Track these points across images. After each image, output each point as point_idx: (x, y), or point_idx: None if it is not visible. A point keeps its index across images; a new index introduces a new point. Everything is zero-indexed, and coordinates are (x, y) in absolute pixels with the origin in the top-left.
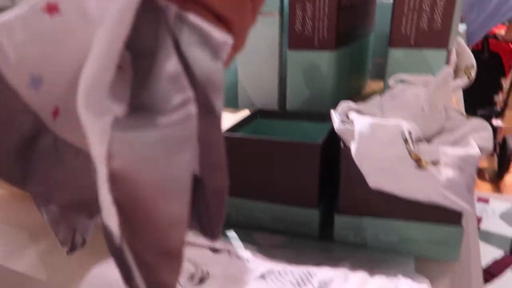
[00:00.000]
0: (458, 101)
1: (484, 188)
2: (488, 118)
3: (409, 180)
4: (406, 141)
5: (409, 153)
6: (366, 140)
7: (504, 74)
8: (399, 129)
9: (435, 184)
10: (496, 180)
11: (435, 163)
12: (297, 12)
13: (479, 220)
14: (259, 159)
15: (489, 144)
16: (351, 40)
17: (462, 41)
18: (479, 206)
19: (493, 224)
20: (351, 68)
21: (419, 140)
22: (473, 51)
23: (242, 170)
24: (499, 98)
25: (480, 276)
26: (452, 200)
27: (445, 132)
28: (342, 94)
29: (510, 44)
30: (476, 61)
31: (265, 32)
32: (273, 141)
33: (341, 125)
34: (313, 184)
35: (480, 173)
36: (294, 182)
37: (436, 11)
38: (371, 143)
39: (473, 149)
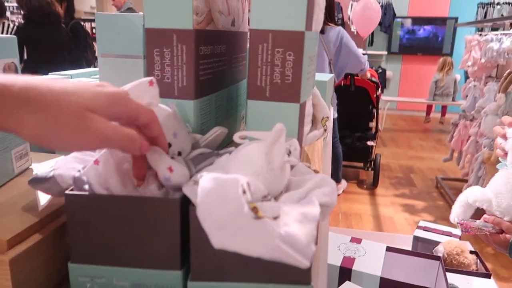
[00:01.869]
0: (325, 140)
1: (361, 199)
2: (364, 140)
3: (248, 233)
4: (244, 192)
5: (247, 203)
6: (207, 195)
7: (372, 104)
8: (237, 182)
9: (272, 235)
10: (372, 188)
11: (275, 218)
12: (155, 58)
13: (352, 261)
14: (113, 218)
15: (331, 199)
16: (217, 88)
17: (318, 93)
18: (352, 246)
19: (365, 264)
20: (217, 116)
21: (264, 197)
22: (344, 86)
23: (94, 231)
24: (373, 124)
25: None
26: (288, 254)
27: (292, 188)
28: None
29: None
30: (347, 93)
31: (130, 75)
32: (128, 197)
33: (187, 185)
34: (174, 243)
35: (360, 183)
36: (154, 242)
37: (287, 66)
38: (212, 199)
39: (314, 207)
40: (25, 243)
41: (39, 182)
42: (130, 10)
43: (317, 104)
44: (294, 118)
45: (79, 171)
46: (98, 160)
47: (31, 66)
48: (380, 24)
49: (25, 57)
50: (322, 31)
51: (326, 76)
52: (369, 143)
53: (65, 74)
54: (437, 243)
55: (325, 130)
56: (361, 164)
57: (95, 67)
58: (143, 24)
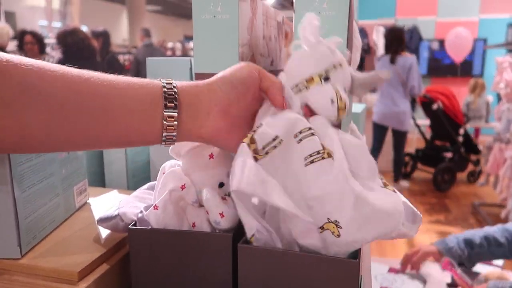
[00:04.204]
0: None
1: None
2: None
3: None
4: None
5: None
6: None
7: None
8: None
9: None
10: None
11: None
12: None
13: None
14: (171, 251)
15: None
16: None
17: (355, 128)
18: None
19: None
20: None
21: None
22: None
23: (155, 263)
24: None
25: None
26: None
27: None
28: None
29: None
30: None
31: None
32: (185, 232)
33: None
34: (226, 274)
35: None
36: (208, 273)
37: None
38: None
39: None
40: (93, 274)
41: (107, 221)
42: (149, 45)
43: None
44: None
45: (141, 211)
46: (157, 206)
47: None
48: (406, 47)
49: None
50: (393, 61)
51: (359, 108)
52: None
53: None
54: (478, 274)
55: None
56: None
57: None
58: (190, 67)
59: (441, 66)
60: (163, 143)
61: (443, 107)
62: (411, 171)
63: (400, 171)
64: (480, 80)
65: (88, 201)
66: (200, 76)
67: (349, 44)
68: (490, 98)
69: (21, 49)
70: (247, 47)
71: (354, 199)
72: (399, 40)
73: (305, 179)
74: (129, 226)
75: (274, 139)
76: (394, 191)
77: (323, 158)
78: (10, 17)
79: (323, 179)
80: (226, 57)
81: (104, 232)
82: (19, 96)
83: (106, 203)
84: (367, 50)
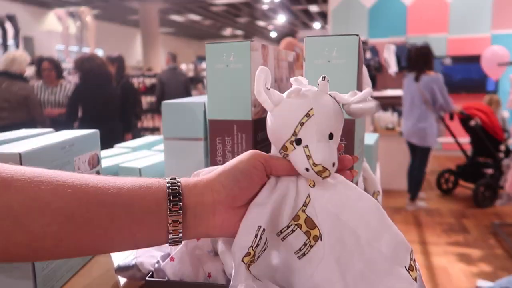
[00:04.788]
0: None
1: None
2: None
3: None
4: None
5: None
6: None
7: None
8: None
9: None
10: (421, 234)
11: None
12: (217, 145)
13: None
14: None
15: None
16: None
17: (367, 167)
18: None
19: None
20: None
21: None
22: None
23: None
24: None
25: None
26: None
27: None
28: None
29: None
30: None
31: (192, 156)
32: (200, 284)
33: None
34: None
35: (408, 229)
36: None
37: (339, 152)
38: None
39: None
40: None
41: (124, 270)
42: (174, 69)
43: (368, 178)
44: None
45: (158, 261)
46: (174, 257)
47: (85, 122)
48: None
49: (80, 114)
50: (417, 79)
51: (371, 138)
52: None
53: (128, 146)
54: None
55: None
56: (403, 204)
57: (141, 121)
58: (203, 110)
59: (454, 83)
60: (169, 244)
61: (482, 123)
62: (452, 188)
63: (418, 189)
64: (495, 96)
65: None
66: (214, 122)
67: (359, 88)
68: (506, 113)
69: (39, 75)
70: None
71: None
72: (424, 59)
73: (303, 269)
74: (147, 278)
75: (264, 243)
76: (415, 279)
77: (311, 246)
78: (28, 42)
79: (318, 265)
80: (239, 104)
81: (122, 280)
82: (30, 211)
83: None
84: (379, 68)
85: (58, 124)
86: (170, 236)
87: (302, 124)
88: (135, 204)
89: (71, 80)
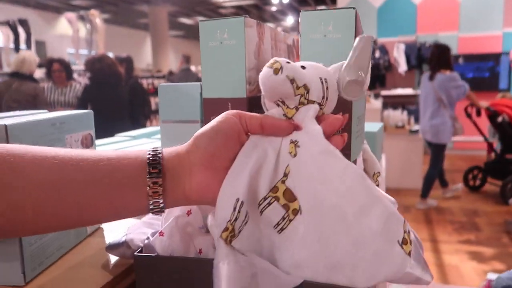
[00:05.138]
0: None
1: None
2: None
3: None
4: None
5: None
6: None
7: None
8: None
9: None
10: (432, 233)
11: None
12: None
13: None
14: (177, 278)
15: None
16: None
17: (367, 148)
18: None
19: None
20: None
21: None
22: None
23: None
24: None
25: None
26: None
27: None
28: None
29: None
30: None
31: (188, 138)
32: (190, 259)
33: None
34: None
35: (419, 226)
36: None
37: None
38: None
39: None
40: None
41: (114, 248)
42: (186, 70)
43: (368, 159)
44: None
45: (147, 238)
46: (163, 232)
47: (94, 121)
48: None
49: None
50: (432, 78)
51: (375, 127)
52: None
53: (128, 135)
54: None
55: (377, 185)
56: (413, 202)
57: (150, 121)
58: (200, 92)
59: (465, 81)
60: (151, 211)
61: (509, 119)
62: (480, 185)
63: (429, 187)
64: (508, 94)
65: (101, 226)
66: (209, 101)
67: None
68: None
69: (49, 76)
70: (254, 71)
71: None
72: (438, 58)
73: (284, 246)
74: (135, 253)
75: (245, 217)
76: (409, 253)
77: (290, 220)
78: (40, 45)
79: (298, 243)
80: (233, 82)
81: (114, 258)
82: (9, 181)
83: (120, 228)
84: (388, 67)
85: None
86: (151, 200)
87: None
88: (115, 170)
89: (81, 81)
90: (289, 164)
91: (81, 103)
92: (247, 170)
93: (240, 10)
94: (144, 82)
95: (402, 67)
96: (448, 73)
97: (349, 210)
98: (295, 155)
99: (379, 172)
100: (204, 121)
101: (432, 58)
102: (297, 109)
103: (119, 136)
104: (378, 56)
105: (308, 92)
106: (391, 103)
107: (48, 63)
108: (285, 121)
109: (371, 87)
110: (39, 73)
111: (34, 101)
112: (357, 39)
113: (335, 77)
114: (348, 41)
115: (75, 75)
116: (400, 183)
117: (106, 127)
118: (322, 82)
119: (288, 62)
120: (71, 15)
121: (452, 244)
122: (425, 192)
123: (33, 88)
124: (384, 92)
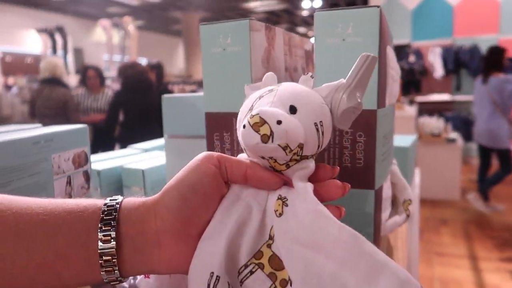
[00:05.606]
0: None
1: (460, 263)
2: None
3: None
4: None
5: None
6: None
7: None
8: None
9: None
10: (471, 249)
11: None
12: (215, 142)
13: None
14: None
15: None
16: None
17: (397, 171)
18: None
19: None
20: None
21: None
22: None
23: None
24: None
25: None
26: None
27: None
28: None
29: None
30: None
31: (194, 155)
32: None
33: None
34: None
35: (455, 242)
36: None
37: (358, 149)
38: None
39: None
40: None
41: (98, 287)
42: None
43: (397, 184)
44: (369, 206)
45: (134, 277)
46: (148, 275)
47: (125, 127)
48: (467, 67)
49: (121, 119)
50: (485, 81)
51: (407, 140)
52: None
53: (140, 148)
54: None
55: (408, 215)
56: (451, 215)
57: None
58: None
59: None
60: (108, 284)
61: None
62: None
63: (488, 187)
64: None
65: None
66: (211, 116)
67: (382, 76)
68: None
69: (84, 83)
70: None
71: None
72: (489, 61)
73: None
74: None
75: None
76: None
77: None
78: (78, 53)
79: None
80: (239, 94)
81: None
82: None
83: None
84: (423, 72)
85: (99, 129)
86: (103, 274)
87: (261, 97)
88: (60, 234)
89: (114, 88)
90: (273, 225)
91: (112, 108)
92: (225, 234)
93: (271, 15)
94: (175, 88)
95: (438, 71)
96: (502, 76)
97: (350, 281)
98: (280, 215)
99: (410, 200)
100: (207, 139)
101: (484, 61)
102: (288, 166)
103: (131, 148)
104: (413, 60)
105: (302, 148)
106: (427, 109)
107: (83, 70)
108: (275, 175)
109: (405, 93)
110: (74, 81)
111: (64, 107)
112: (360, 57)
113: (328, 101)
114: (371, 47)
115: (108, 82)
116: (436, 194)
117: (137, 132)
118: (317, 129)
119: (279, 122)
120: (106, 22)
121: (493, 262)
122: (485, 194)
123: (62, 94)
124: (419, 98)
